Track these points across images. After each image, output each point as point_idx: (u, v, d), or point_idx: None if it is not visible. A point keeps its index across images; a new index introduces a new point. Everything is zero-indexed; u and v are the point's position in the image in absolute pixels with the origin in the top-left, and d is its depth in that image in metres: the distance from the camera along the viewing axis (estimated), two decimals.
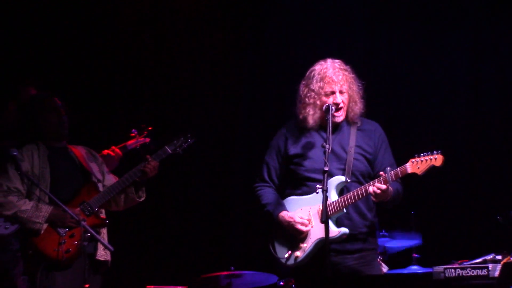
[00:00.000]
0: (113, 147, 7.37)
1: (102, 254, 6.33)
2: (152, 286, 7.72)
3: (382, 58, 8.56)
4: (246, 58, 9.13)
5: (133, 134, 7.29)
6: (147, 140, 7.30)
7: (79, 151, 6.60)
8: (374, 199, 5.85)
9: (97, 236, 6.07)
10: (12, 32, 8.82)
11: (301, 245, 5.95)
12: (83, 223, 5.97)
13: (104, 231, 6.39)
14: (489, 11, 8.65)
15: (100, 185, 6.47)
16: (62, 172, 6.41)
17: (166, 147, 6.47)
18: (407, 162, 5.78)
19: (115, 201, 6.48)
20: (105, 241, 6.19)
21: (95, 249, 6.29)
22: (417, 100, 8.75)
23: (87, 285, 6.06)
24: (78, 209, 6.22)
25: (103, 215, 6.41)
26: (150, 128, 7.30)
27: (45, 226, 6.12)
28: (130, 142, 7.40)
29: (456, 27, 8.76)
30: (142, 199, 6.58)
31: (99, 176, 6.56)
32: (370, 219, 6.02)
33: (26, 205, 6.14)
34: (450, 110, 8.72)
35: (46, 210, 6.15)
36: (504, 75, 8.61)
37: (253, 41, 9.10)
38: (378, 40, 8.82)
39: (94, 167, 6.55)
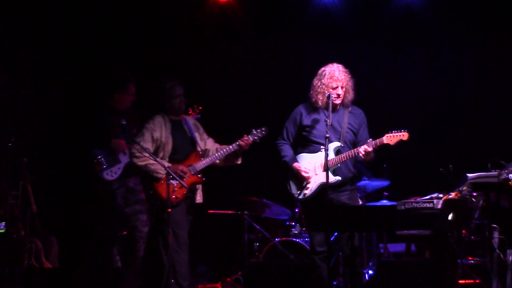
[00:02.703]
0: None
1: (198, 198, 6.87)
2: (212, 211, 8.31)
3: (364, 64, 9.09)
4: (277, 62, 9.54)
5: (190, 112, 7.49)
6: (199, 116, 7.58)
7: (189, 123, 7.01)
8: (362, 157, 6.51)
9: (179, 179, 6.45)
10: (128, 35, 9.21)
11: (308, 186, 6.72)
12: (168, 169, 6.38)
13: (199, 186, 6.83)
14: (439, 37, 9.25)
15: (200, 152, 6.84)
16: (179, 141, 6.83)
17: (253, 131, 6.84)
18: (383, 136, 6.50)
19: (218, 162, 6.91)
20: (184, 183, 6.48)
21: (194, 194, 6.84)
22: (387, 95, 9.31)
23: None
24: (186, 167, 6.69)
25: (201, 176, 6.77)
26: (200, 107, 7.59)
27: (164, 176, 6.54)
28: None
29: (413, 47, 9.39)
30: (239, 162, 7.01)
31: (202, 145, 6.93)
32: (353, 171, 6.81)
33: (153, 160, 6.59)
34: (408, 102, 9.34)
35: (166, 165, 6.55)
36: (447, 78, 9.31)
37: (281, 51, 9.53)
38: (362, 51, 9.33)
39: (197, 137, 6.95)
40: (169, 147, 6.80)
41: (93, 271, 5.70)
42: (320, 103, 6.75)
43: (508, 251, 6.39)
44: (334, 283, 7.59)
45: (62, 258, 7.64)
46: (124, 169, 7.56)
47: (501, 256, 6.51)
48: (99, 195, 7.58)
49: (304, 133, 6.84)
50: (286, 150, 6.91)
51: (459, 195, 6.58)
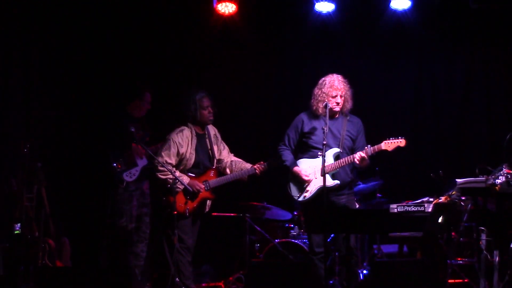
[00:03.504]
0: None
1: (206, 209, 7.02)
2: (215, 213, 7.99)
3: (358, 74, 8.88)
4: (277, 73, 9.56)
5: None
6: None
7: (211, 134, 7.06)
8: (358, 164, 6.62)
9: (186, 185, 6.67)
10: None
11: (308, 189, 6.81)
12: (187, 186, 6.63)
13: (209, 202, 6.99)
14: (429, 47, 9.29)
15: (216, 169, 6.99)
16: (201, 157, 6.95)
17: (269, 161, 7.05)
18: (381, 142, 6.59)
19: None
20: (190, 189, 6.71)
21: (204, 206, 6.99)
22: (380, 103, 9.33)
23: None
24: (203, 186, 6.84)
25: (213, 193, 6.94)
26: None
27: (180, 190, 6.75)
28: None
29: (405, 55, 9.43)
30: (245, 180, 7.15)
31: (217, 155, 7.03)
32: (351, 176, 6.90)
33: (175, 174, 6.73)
34: (399, 110, 9.38)
35: (185, 180, 6.76)
36: (436, 88, 9.33)
37: (281, 62, 9.55)
38: (356, 62, 9.32)
39: (215, 150, 7.03)
40: (191, 162, 6.94)
41: (105, 270, 5.72)
42: (320, 111, 6.83)
43: (495, 252, 6.43)
44: (330, 282, 7.60)
45: (74, 257, 7.68)
46: (141, 172, 7.62)
47: (488, 257, 6.57)
48: (118, 196, 7.65)
49: (305, 139, 6.93)
50: (287, 155, 6.98)
51: (448, 199, 6.61)
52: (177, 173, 6.77)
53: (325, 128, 6.52)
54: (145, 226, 7.75)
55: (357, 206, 7.79)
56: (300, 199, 6.88)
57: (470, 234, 7.10)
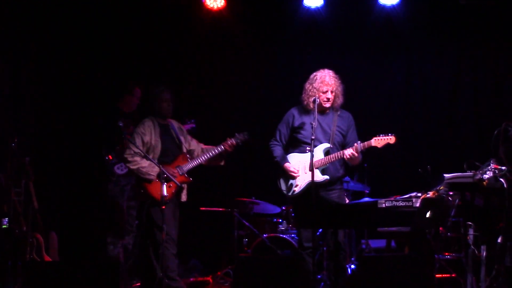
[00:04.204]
0: None
1: (183, 197, 7.00)
2: (203, 208, 8.41)
3: (348, 69, 8.57)
4: (267, 68, 9.59)
5: (187, 121, 7.93)
6: (194, 125, 8.05)
7: (174, 126, 7.17)
8: (349, 161, 6.66)
9: (172, 178, 6.63)
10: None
11: (297, 183, 6.85)
12: (162, 168, 6.53)
13: (185, 186, 6.96)
14: (418, 43, 9.36)
15: (187, 154, 7.00)
16: (167, 144, 7.01)
17: (236, 135, 7.06)
18: (371, 139, 6.62)
19: (205, 163, 7.08)
20: (177, 182, 6.68)
21: (179, 195, 6.97)
22: (368, 99, 9.37)
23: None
24: (176, 170, 6.87)
25: (188, 176, 6.92)
26: (192, 119, 8.02)
27: (155, 178, 6.75)
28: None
29: (394, 51, 9.49)
30: (222, 164, 7.21)
31: (186, 146, 7.10)
32: (341, 172, 6.92)
33: (145, 163, 6.80)
34: (388, 105, 9.45)
35: (157, 168, 6.73)
36: (425, 84, 9.41)
37: (270, 57, 9.59)
38: (346, 59, 9.33)
39: (182, 139, 7.13)
40: (158, 149, 6.97)
41: (93, 264, 5.64)
42: (311, 106, 6.82)
43: (482, 247, 6.44)
44: (319, 276, 7.64)
45: (62, 252, 7.67)
46: None
47: (476, 251, 6.58)
48: (110, 192, 7.73)
49: (295, 134, 6.96)
50: (278, 151, 7.00)
51: (436, 194, 6.60)
52: (147, 162, 6.83)
53: (314, 123, 6.51)
54: (132, 219, 7.81)
55: (347, 201, 7.81)
56: (289, 193, 6.91)
57: (457, 229, 7.09)
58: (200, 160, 7.05)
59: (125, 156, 6.86)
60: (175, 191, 6.87)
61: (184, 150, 7.09)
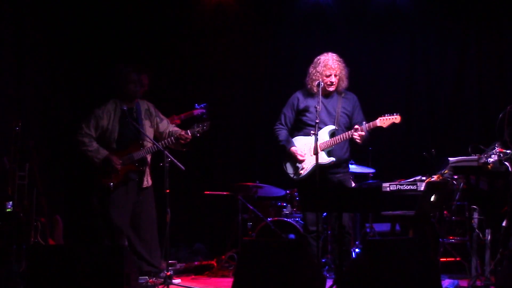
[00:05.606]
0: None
1: (145, 183, 6.95)
2: (208, 192, 8.47)
3: (352, 53, 8.93)
4: (271, 53, 9.56)
5: (196, 107, 7.92)
6: (204, 111, 7.98)
7: (141, 109, 6.96)
8: (357, 141, 6.66)
9: (105, 157, 6.66)
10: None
11: (303, 166, 6.87)
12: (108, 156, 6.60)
13: (147, 171, 6.93)
14: (422, 24, 9.31)
15: (146, 143, 6.85)
16: (125, 130, 6.87)
17: (194, 126, 6.86)
18: (376, 119, 6.66)
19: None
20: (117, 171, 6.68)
21: (141, 180, 6.94)
22: (373, 82, 9.35)
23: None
24: (120, 161, 6.75)
25: (138, 164, 6.85)
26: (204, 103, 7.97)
27: (100, 163, 6.71)
28: (184, 114, 8.07)
29: (398, 34, 9.42)
30: (184, 150, 7.01)
31: (150, 131, 6.93)
32: (347, 153, 6.94)
33: (93, 147, 6.75)
34: (393, 89, 9.39)
35: (103, 153, 6.75)
36: (429, 67, 9.32)
37: (273, 42, 9.57)
38: (349, 41, 9.35)
39: (146, 124, 6.93)
40: (115, 135, 6.89)
41: (97, 248, 5.62)
42: (315, 89, 6.83)
43: (487, 231, 6.45)
44: (323, 260, 7.64)
45: (67, 236, 7.67)
46: None
47: (480, 235, 6.56)
48: None
49: (300, 117, 6.96)
50: (283, 135, 7.00)
51: (441, 177, 6.57)
52: (95, 146, 6.80)
53: (318, 107, 6.52)
54: None
55: (353, 184, 7.76)
56: (295, 177, 6.93)
57: (462, 213, 7.11)
58: (149, 150, 6.89)
59: (76, 135, 6.79)
60: (122, 179, 6.80)
61: (147, 136, 6.90)
